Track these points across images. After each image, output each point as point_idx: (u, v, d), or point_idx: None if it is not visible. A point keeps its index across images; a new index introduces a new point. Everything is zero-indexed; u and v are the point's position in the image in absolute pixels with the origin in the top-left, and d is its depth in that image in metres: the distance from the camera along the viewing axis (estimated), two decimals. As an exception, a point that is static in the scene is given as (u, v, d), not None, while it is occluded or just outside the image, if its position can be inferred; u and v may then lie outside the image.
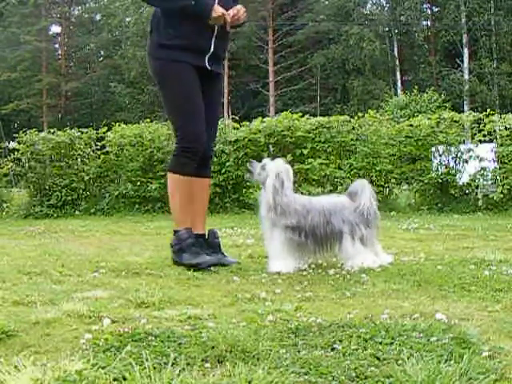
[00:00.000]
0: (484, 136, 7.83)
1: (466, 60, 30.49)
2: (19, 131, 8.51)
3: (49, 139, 8.37)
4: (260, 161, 3.18)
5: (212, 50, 3.19)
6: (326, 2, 37.86)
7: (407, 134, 8.15)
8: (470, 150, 7.87)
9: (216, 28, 3.17)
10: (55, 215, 7.91)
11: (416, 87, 23.75)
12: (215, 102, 3.39)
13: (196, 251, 3.11)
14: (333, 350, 1.61)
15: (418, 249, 3.82)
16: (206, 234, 3.36)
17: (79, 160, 8.48)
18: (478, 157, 7.76)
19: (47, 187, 8.24)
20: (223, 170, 7.99)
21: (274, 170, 3.04)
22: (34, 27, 36.35)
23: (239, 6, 3.20)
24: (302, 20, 35.08)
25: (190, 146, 3.19)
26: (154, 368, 1.42)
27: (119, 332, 1.75)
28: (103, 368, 1.44)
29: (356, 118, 8.37)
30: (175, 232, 3.22)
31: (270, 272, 2.92)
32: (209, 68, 3.23)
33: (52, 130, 8.70)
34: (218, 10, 3.10)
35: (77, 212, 8.05)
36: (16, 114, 36.34)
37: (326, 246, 3.08)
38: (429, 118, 8.22)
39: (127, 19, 37.79)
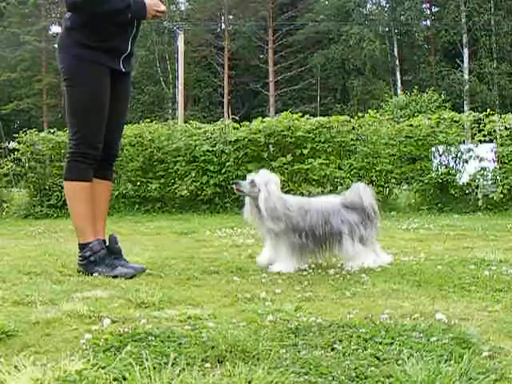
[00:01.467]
0: (484, 136, 7.83)
1: (466, 60, 30.50)
2: (19, 131, 8.52)
3: (49, 139, 8.37)
4: (244, 178, 3.20)
5: (129, 50, 3.09)
6: (326, 2, 37.87)
7: (407, 134, 8.15)
8: (469, 150, 7.87)
9: (135, 27, 3.08)
10: (55, 215, 7.91)
11: (416, 87, 23.77)
12: (124, 98, 3.24)
13: (111, 263, 2.97)
14: (333, 350, 1.61)
15: (418, 249, 3.82)
16: (107, 239, 3.14)
17: (79, 160, 8.47)
18: (477, 157, 7.76)
19: (47, 187, 8.24)
20: (223, 170, 7.99)
21: (263, 184, 3.04)
22: (33, 27, 36.37)
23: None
24: (302, 20, 35.10)
25: (90, 151, 3.01)
26: (154, 368, 1.42)
27: (119, 332, 1.75)
28: (103, 368, 1.44)
29: (356, 118, 8.37)
30: (84, 245, 3.01)
31: (271, 271, 2.93)
32: (123, 70, 3.11)
33: (52, 130, 8.70)
34: (162, 6, 3.04)
35: (77, 212, 8.04)
36: (16, 114, 36.34)
37: (326, 246, 3.09)
38: (429, 118, 8.22)
39: (127, 19, 37.70)
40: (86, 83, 3.00)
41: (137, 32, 3.13)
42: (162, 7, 3.05)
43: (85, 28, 2.97)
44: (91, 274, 2.91)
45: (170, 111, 34.00)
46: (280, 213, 2.98)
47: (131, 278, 2.83)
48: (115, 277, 2.83)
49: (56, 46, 3.14)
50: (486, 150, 7.79)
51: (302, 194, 7.96)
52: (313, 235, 3.02)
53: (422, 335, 1.69)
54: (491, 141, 7.98)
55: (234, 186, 3.17)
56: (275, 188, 3.05)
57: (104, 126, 3.06)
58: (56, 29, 40.22)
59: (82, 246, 3.02)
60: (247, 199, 3.14)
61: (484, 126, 7.83)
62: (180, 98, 20.77)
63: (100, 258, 2.97)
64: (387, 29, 33.77)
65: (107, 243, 3.09)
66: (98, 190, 3.11)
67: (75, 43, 2.99)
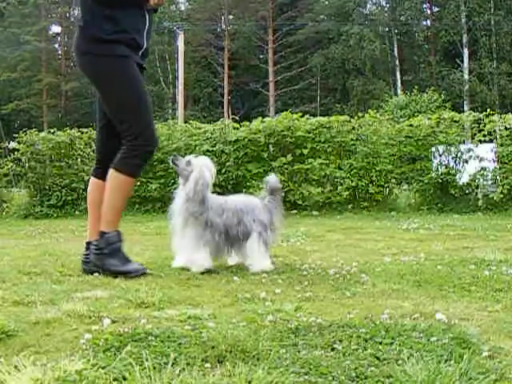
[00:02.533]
0: (484, 136, 7.83)
1: (466, 60, 30.51)
2: (19, 131, 8.52)
3: (49, 139, 8.37)
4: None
5: (145, 45, 3.05)
6: (326, 2, 37.88)
7: (407, 134, 8.15)
8: (470, 150, 7.87)
9: (148, 21, 3.06)
10: (55, 215, 7.91)
11: (416, 87, 23.77)
12: None
13: (125, 257, 2.93)
14: (333, 349, 1.61)
15: (418, 249, 3.82)
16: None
17: (79, 160, 8.49)
18: (477, 157, 7.76)
19: (47, 187, 8.24)
20: (223, 170, 7.99)
21: (199, 166, 3.04)
22: (33, 27, 36.38)
23: None
24: (302, 20, 35.10)
25: (152, 149, 3.01)
26: (154, 368, 1.42)
27: (119, 332, 1.75)
28: (103, 368, 1.44)
29: (356, 118, 8.37)
30: (103, 233, 2.96)
31: (175, 267, 3.02)
32: (143, 64, 3.08)
33: (52, 130, 8.71)
34: None
35: (77, 212, 8.05)
36: (16, 114, 36.35)
37: (235, 246, 3.09)
38: (429, 118, 8.22)
39: (127, 19, 37.72)
40: (122, 80, 2.93)
41: (150, 26, 3.09)
42: None
43: (94, 22, 2.89)
44: (103, 267, 2.89)
45: (170, 111, 34.00)
46: (202, 199, 2.98)
47: (141, 275, 2.82)
48: (127, 272, 2.82)
49: (74, 50, 3.04)
50: (486, 150, 7.79)
51: (302, 194, 7.97)
52: (226, 234, 3.02)
53: (421, 335, 1.69)
54: (491, 141, 7.98)
55: (171, 157, 3.14)
56: (208, 175, 3.04)
57: (152, 119, 3.03)
58: (56, 29, 40.29)
59: (101, 235, 2.97)
60: (180, 180, 3.13)
61: (484, 126, 7.83)
62: (180, 98, 20.77)
63: (115, 250, 2.93)
64: (387, 29, 33.78)
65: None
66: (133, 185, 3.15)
67: (92, 41, 2.90)
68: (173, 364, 1.46)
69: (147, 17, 3.06)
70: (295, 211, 7.68)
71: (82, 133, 8.51)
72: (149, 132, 2.96)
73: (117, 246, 2.94)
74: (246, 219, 3.05)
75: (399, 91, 30.35)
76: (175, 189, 3.26)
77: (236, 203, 3.12)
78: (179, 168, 3.09)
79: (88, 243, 3.06)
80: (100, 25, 2.89)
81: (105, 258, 2.92)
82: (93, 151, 8.59)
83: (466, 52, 30.61)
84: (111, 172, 2.97)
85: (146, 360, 1.45)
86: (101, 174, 3.05)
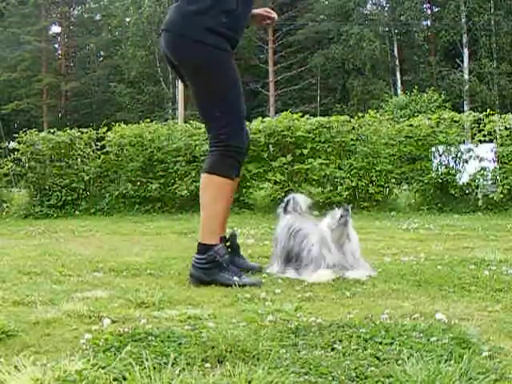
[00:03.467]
0: (484, 136, 7.83)
1: (466, 60, 30.50)
2: (19, 131, 8.52)
3: (49, 139, 8.37)
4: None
5: (239, 41, 2.95)
6: (326, 2, 37.86)
7: (407, 134, 8.15)
8: (469, 150, 7.87)
9: (246, 19, 2.97)
10: (55, 215, 7.91)
11: (416, 87, 23.75)
12: None
13: (236, 270, 2.71)
14: (333, 350, 1.61)
15: (418, 249, 3.82)
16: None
17: (79, 160, 8.49)
18: (478, 157, 7.76)
19: (47, 187, 8.24)
20: (223, 170, 7.98)
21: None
22: (33, 27, 36.38)
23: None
24: (302, 20, 35.09)
25: (240, 145, 2.79)
26: (154, 368, 1.42)
27: (119, 332, 1.75)
28: (103, 368, 1.44)
29: (356, 117, 8.36)
30: (208, 246, 2.70)
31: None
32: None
33: (52, 130, 8.70)
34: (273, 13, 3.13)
35: (77, 212, 8.06)
36: (16, 114, 36.34)
37: None
38: (429, 118, 8.22)
39: (127, 19, 37.81)
40: (220, 73, 2.79)
41: (246, 23, 3.02)
42: (273, 14, 3.12)
43: (209, 10, 2.73)
44: (209, 281, 2.64)
45: (170, 111, 33.99)
46: None
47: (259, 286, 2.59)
48: (243, 285, 2.57)
49: (168, 29, 2.83)
50: (486, 150, 7.79)
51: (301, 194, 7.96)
52: None
53: (422, 335, 1.69)
54: (491, 141, 7.98)
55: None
56: None
57: (244, 117, 2.87)
58: (56, 29, 40.31)
59: (206, 248, 2.71)
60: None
61: (484, 126, 7.83)
62: (180, 98, 20.76)
63: (226, 262, 2.70)
64: (387, 29, 33.76)
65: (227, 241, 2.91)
66: (233, 187, 2.89)
67: (200, 29, 2.73)
68: (173, 364, 1.46)
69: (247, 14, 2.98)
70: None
71: (82, 133, 8.51)
72: (238, 129, 2.80)
73: (226, 259, 2.72)
74: None
75: (399, 91, 30.34)
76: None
77: None
78: None
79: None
80: (215, 14, 2.74)
81: (215, 270, 2.68)
82: (93, 151, 8.60)
83: (466, 52, 30.59)
84: (204, 177, 2.80)
85: (146, 360, 1.44)
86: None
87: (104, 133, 8.54)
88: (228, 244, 2.91)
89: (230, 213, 7.24)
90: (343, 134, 8.11)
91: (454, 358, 1.49)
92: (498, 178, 7.60)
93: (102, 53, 41.99)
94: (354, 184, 7.88)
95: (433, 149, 8.03)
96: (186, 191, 7.86)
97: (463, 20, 30.47)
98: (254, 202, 8.35)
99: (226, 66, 2.82)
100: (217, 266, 2.66)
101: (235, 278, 2.61)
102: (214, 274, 2.65)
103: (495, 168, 7.70)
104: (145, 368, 1.41)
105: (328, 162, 8.00)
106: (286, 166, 7.99)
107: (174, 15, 2.84)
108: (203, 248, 2.72)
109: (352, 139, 8.13)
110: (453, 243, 4.18)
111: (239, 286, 2.55)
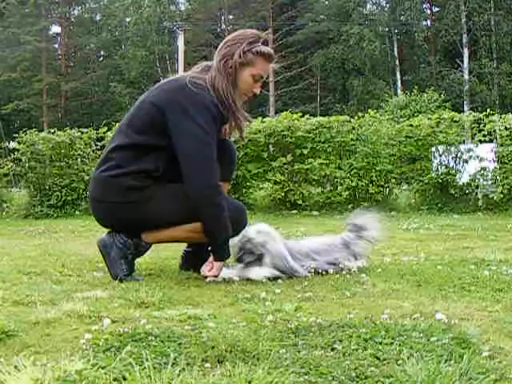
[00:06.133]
0: (484, 136, 7.84)
1: (465, 60, 30.51)
2: (19, 131, 8.51)
3: (49, 139, 8.37)
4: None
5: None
6: (326, 2, 37.88)
7: (407, 134, 8.15)
8: (469, 150, 7.87)
9: None
10: (55, 215, 7.91)
11: (416, 87, 23.77)
12: None
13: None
14: (333, 350, 1.61)
15: (418, 249, 3.82)
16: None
17: (79, 160, 8.49)
18: (478, 157, 7.76)
19: (47, 187, 8.24)
20: (223, 170, 7.98)
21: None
22: (34, 27, 36.39)
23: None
24: (302, 20, 35.10)
25: None
26: (154, 368, 1.42)
27: (119, 332, 1.75)
28: (103, 368, 1.44)
29: (356, 118, 8.37)
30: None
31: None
32: None
33: (52, 130, 8.70)
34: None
35: (77, 212, 8.05)
36: (16, 114, 36.37)
37: None
38: (429, 118, 8.22)
39: (127, 19, 37.83)
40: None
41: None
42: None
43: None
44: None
45: (170, 111, 33.94)
46: None
47: None
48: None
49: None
50: (486, 150, 7.80)
51: (302, 194, 7.97)
52: None
53: (422, 335, 1.69)
54: (491, 141, 7.99)
55: None
56: None
57: None
58: (56, 29, 40.32)
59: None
60: None
61: (484, 126, 7.83)
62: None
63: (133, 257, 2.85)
64: (387, 29, 33.77)
65: None
66: None
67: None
68: (173, 364, 1.46)
69: None
70: (295, 211, 7.69)
71: (82, 133, 8.51)
72: None
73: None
74: None
75: (399, 91, 30.34)
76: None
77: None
78: None
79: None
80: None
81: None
82: (93, 151, 8.60)
83: (466, 52, 30.60)
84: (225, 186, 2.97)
85: (146, 360, 1.44)
86: None
87: (104, 133, 8.53)
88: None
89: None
90: (343, 134, 8.11)
91: (454, 358, 1.49)
92: (497, 177, 7.61)
93: (102, 53, 42.02)
94: (354, 184, 7.89)
95: (433, 149, 8.04)
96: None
97: (463, 20, 30.49)
98: (254, 201, 8.35)
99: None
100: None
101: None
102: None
103: (495, 168, 7.70)
104: (145, 368, 1.41)
105: (328, 161, 8.00)
106: (286, 166, 7.99)
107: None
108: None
109: (352, 139, 8.13)
110: (453, 243, 4.18)
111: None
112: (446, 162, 7.96)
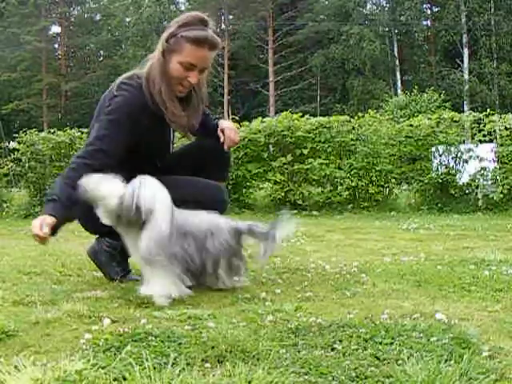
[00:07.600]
0: (484, 136, 7.84)
1: (466, 60, 30.51)
2: (19, 131, 8.52)
3: (49, 139, 8.38)
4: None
5: None
6: (326, 2, 37.89)
7: (407, 134, 8.15)
8: (469, 150, 7.87)
9: None
10: (55, 215, 7.90)
11: (416, 87, 23.75)
12: None
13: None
14: (333, 350, 1.61)
15: (418, 249, 3.82)
16: None
17: (79, 160, 8.48)
18: (478, 157, 7.76)
19: (47, 187, 8.24)
20: (223, 170, 7.98)
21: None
22: (33, 27, 36.40)
23: None
24: (302, 20, 35.11)
25: None
26: (154, 368, 1.42)
27: (119, 332, 1.75)
28: (103, 368, 1.44)
29: (356, 118, 8.37)
30: None
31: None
32: None
33: (52, 130, 8.71)
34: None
35: (77, 212, 8.04)
36: (16, 114, 36.36)
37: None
38: (429, 118, 8.23)
39: (127, 19, 37.85)
40: None
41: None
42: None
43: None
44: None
45: (170, 111, 33.96)
46: None
47: None
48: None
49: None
50: (486, 150, 7.80)
51: (302, 194, 7.97)
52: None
53: (421, 335, 1.69)
54: (491, 141, 7.99)
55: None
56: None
57: None
58: (56, 29, 40.32)
59: None
60: None
61: (484, 126, 7.84)
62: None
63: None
64: (387, 29, 33.78)
65: None
66: None
67: None
68: (173, 364, 1.46)
69: None
70: (295, 211, 7.69)
71: (82, 133, 8.50)
72: None
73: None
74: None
75: (399, 91, 30.34)
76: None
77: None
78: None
79: None
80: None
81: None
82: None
83: (466, 52, 30.61)
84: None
85: (146, 360, 1.44)
86: None
87: (104, 133, 8.53)
88: None
89: (230, 212, 7.25)
90: (343, 134, 8.11)
91: (454, 358, 1.49)
92: (497, 178, 7.61)
93: (101, 53, 42.02)
94: (354, 184, 7.89)
95: (433, 149, 8.04)
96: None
97: (463, 20, 30.49)
98: (254, 201, 8.35)
99: None
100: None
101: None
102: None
103: (495, 168, 7.70)
104: (145, 368, 1.41)
105: (328, 161, 8.01)
106: (286, 166, 7.99)
107: None
108: None
109: (352, 139, 8.14)
110: (453, 243, 4.18)
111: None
112: (446, 162, 7.96)
